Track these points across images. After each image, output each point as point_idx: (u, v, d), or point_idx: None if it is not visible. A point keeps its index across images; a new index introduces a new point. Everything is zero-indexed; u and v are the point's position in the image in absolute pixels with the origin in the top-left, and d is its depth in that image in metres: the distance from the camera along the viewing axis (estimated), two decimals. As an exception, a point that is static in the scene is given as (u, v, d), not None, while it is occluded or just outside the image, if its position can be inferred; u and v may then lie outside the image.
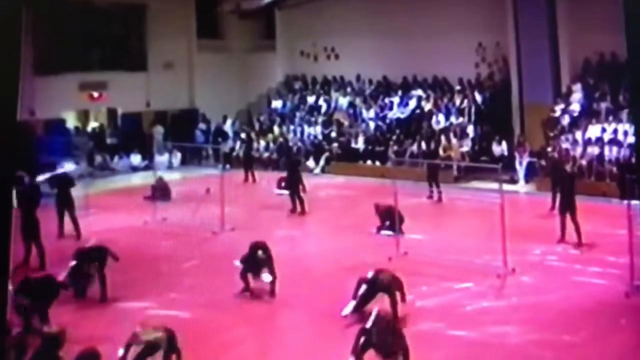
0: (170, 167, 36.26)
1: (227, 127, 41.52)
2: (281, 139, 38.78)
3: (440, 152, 33.38)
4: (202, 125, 41.41)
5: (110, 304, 17.36)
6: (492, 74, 37.47)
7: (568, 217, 21.87)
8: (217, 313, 17.02)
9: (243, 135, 38.60)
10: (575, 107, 32.85)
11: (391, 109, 38.45)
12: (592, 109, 32.52)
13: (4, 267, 9.01)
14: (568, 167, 24.99)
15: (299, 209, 27.14)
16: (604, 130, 31.01)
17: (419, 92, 38.28)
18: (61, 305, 16.41)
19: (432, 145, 33.37)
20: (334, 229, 24.71)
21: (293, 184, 27.78)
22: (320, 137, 38.55)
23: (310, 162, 36.29)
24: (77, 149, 35.87)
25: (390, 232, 21.89)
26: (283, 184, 29.15)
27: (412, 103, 37.88)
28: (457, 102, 36.59)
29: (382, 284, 15.76)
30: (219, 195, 24.51)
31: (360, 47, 40.65)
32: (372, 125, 37.80)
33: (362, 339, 12.91)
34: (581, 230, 21.63)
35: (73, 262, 17.68)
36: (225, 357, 15.02)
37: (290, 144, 38.21)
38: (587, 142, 30.91)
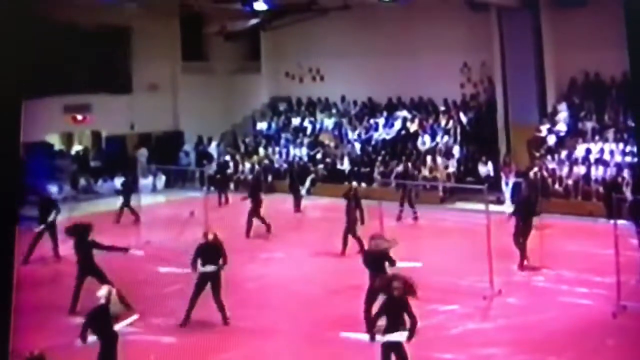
0: (154, 190, 36.07)
1: (212, 149, 41.44)
2: (266, 161, 38.67)
3: (426, 173, 33.38)
4: (186, 147, 41.40)
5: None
6: (477, 94, 37.50)
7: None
8: (202, 338, 16.89)
9: (227, 158, 38.48)
10: (561, 127, 32.83)
11: (376, 130, 38.41)
12: (578, 128, 32.53)
13: (7, 285, 8.93)
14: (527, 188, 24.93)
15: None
16: (589, 150, 30.98)
17: (404, 113, 38.26)
18: (41, 329, 16.29)
19: (402, 167, 33.35)
20: (319, 251, 24.56)
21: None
22: (305, 158, 38.44)
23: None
24: (61, 172, 35.77)
25: None
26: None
27: (398, 124, 37.84)
28: (443, 122, 36.57)
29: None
30: (203, 218, 24.35)
31: (345, 69, 40.65)
32: (357, 146, 37.73)
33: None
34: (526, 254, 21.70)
35: None
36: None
37: (276, 165, 38.17)
38: (574, 162, 30.88)
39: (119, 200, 30.47)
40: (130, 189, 30.44)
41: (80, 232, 19.15)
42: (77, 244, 19.06)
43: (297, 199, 31.98)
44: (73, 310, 18.05)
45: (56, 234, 24.14)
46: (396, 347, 12.95)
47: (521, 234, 21.80)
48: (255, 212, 27.23)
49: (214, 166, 39.05)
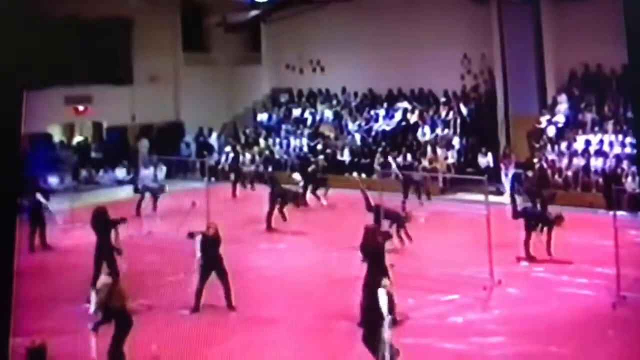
0: (155, 180, 36.08)
1: (213, 140, 41.48)
2: (267, 152, 38.73)
3: (426, 164, 33.41)
4: (187, 138, 41.47)
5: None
6: (477, 86, 37.52)
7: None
8: (203, 328, 16.95)
9: (231, 149, 38.56)
10: (561, 118, 32.89)
11: (377, 121, 38.44)
12: (578, 119, 32.59)
13: (8, 276, 9.00)
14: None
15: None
16: (589, 141, 31.05)
17: (405, 104, 38.27)
18: (42, 319, 16.41)
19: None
20: (320, 242, 24.62)
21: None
22: (306, 149, 38.48)
23: (296, 175, 36.20)
24: (62, 163, 35.84)
25: None
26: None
27: (398, 115, 37.85)
28: (443, 114, 36.59)
29: None
30: (205, 208, 24.39)
31: (346, 60, 40.65)
32: (357, 137, 37.77)
33: None
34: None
35: None
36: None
37: (276, 156, 38.26)
38: (573, 153, 30.94)
39: (121, 191, 30.53)
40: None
41: (102, 214, 19.47)
42: (99, 226, 19.33)
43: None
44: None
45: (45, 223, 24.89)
46: None
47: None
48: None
49: (215, 157, 39.15)
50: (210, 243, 18.13)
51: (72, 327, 16.37)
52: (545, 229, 21.48)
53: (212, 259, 17.98)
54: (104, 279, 14.78)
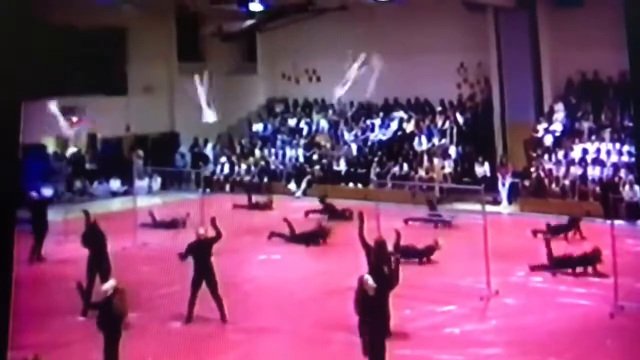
0: (150, 191, 35.98)
1: (208, 150, 41.34)
2: (262, 162, 38.62)
3: (423, 173, 33.31)
4: (182, 149, 41.33)
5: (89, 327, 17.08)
6: (474, 95, 37.48)
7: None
8: (199, 338, 16.85)
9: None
10: (558, 127, 32.80)
11: (373, 130, 38.34)
12: (575, 128, 32.51)
13: (6, 290, 8.87)
14: None
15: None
16: (586, 150, 30.96)
17: (401, 113, 38.20)
18: (39, 330, 16.27)
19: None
20: (316, 253, 24.52)
21: None
22: (301, 159, 38.38)
23: (292, 185, 36.18)
24: (56, 174, 35.67)
25: None
26: None
27: (394, 125, 37.78)
28: (439, 123, 36.53)
29: None
30: (200, 219, 24.26)
31: (342, 69, 40.47)
32: (354, 147, 37.66)
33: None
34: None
35: None
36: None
37: (272, 167, 38.17)
38: (570, 162, 30.84)
39: (115, 202, 30.37)
40: None
41: (93, 227, 19.53)
42: (91, 239, 19.33)
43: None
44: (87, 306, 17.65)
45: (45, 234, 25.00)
46: None
47: None
48: None
49: (210, 167, 39.05)
50: (203, 247, 17.90)
51: (66, 340, 16.29)
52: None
53: (203, 265, 17.72)
54: (111, 282, 14.55)
